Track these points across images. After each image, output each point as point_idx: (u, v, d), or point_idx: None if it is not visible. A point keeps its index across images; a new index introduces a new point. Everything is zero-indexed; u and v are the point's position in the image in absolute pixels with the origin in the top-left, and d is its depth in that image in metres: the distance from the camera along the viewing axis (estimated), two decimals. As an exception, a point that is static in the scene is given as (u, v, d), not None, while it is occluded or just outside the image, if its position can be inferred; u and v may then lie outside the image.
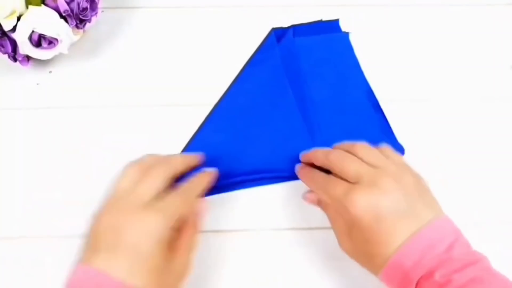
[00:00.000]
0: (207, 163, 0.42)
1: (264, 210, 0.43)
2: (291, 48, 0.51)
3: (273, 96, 0.48)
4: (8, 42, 0.46)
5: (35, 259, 0.40)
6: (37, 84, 0.49)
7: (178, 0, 0.55)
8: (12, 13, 0.44)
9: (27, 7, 0.45)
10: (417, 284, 0.29)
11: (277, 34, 0.52)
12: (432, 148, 0.46)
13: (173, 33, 0.53)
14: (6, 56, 0.47)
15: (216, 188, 0.42)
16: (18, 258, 0.40)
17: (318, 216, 0.39)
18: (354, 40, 0.53)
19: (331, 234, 0.36)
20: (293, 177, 0.42)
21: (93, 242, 0.25)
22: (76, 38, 0.49)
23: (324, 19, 0.54)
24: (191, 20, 0.54)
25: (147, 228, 0.24)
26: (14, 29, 0.45)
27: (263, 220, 0.43)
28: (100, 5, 0.50)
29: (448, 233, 0.30)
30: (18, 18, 0.45)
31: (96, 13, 0.49)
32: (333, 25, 0.54)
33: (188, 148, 0.45)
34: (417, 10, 0.56)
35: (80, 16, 0.48)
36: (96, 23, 0.50)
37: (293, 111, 0.47)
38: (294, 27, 0.52)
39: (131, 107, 0.48)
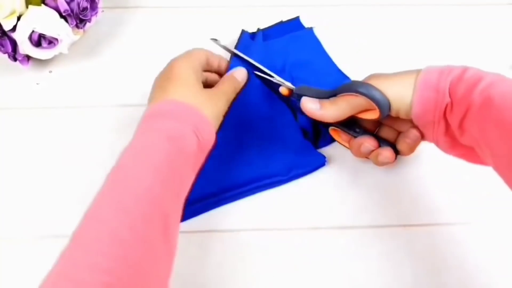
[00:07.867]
0: (208, 175, 0.42)
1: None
2: (263, 52, 0.49)
3: (259, 101, 0.46)
4: (8, 42, 0.46)
5: (32, 259, 0.40)
6: (37, 84, 0.50)
7: (178, 0, 0.56)
8: (12, 13, 0.44)
9: (27, 7, 0.45)
10: (449, 91, 0.33)
11: (245, 40, 0.50)
12: (432, 149, 0.46)
13: (173, 33, 0.53)
14: (6, 55, 0.47)
15: (221, 199, 0.43)
16: (16, 258, 0.40)
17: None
18: (352, 40, 0.53)
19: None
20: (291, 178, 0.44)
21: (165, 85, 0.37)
22: (76, 38, 0.49)
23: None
24: (190, 20, 0.54)
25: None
26: (14, 28, 0.45)
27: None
28: (100, 5, 0.50)
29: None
30: (18, 18, 0.45)
31: (96, 13, 0.50)
32: (296, 23, 0.54)
33: None
34: (416, 10, 0.56)
35: (80, 16, 0.48)
36: (96, 23, 0.50)
37: (285, 113, 0.46)
38: (261, 31, 0.52)
39: (131, 107, 0.48)
